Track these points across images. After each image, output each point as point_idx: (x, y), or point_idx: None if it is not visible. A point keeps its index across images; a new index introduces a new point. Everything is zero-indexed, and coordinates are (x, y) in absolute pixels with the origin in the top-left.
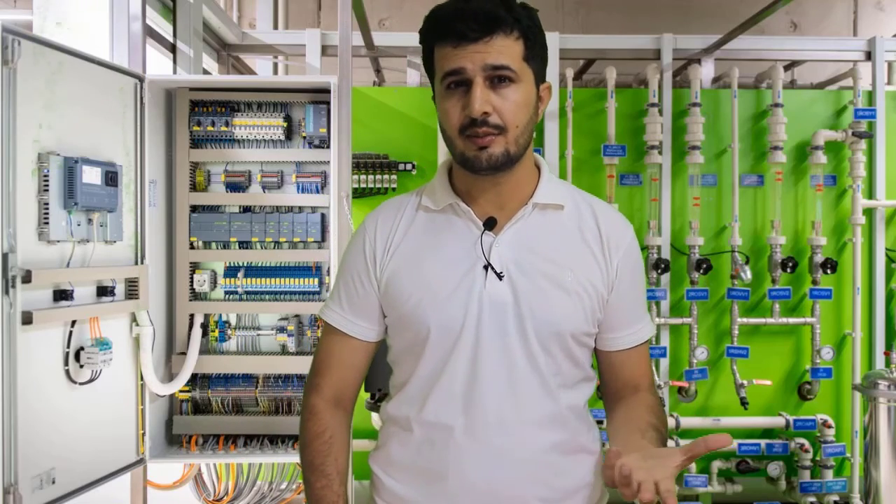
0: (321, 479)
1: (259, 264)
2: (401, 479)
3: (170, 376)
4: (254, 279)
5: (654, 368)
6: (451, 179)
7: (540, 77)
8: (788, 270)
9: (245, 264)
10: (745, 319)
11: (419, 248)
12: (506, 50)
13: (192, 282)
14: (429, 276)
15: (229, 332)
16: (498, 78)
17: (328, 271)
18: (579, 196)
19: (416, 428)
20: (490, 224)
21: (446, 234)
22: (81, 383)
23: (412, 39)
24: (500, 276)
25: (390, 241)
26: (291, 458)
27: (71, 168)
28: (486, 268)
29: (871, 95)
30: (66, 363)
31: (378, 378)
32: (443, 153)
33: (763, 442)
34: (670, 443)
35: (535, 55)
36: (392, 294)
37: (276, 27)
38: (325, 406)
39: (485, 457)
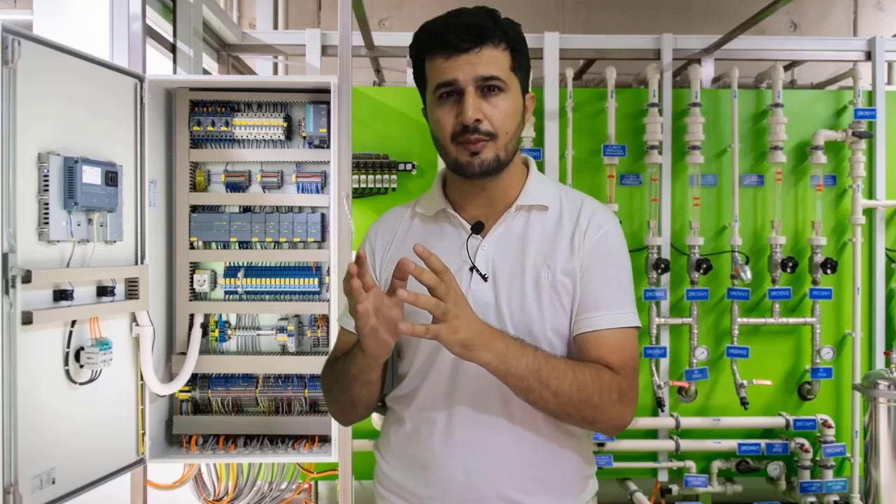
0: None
1: (259, 264)
2: (395, 465)
3: (170, 376)
4: (254, 279)
5: (635, 360)
6: (444, 186)
7: (525, 87)
8: (788, 270)
9: (245, 264)
10: (745, 319)
11: (411, 252)
12: (495, 61)
13: (192, 282)
14: None
15: (229, 332)
16: (488, 87)
17: (328, 271)
18: (570, 195)
19: (406, 418)
20: (478, 227)
21: (437, 238)
22: (81, 383)
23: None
24: (484, 278)
25: (389, 245)
26: (291, 458)
27: (71, 168)
28: (471, 270)
29: (871, 95)
30: (66, 363)
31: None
32: None
33: (763, 442)
34: (670, 443)
35: (521, 66)
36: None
37: (276, 27)
38: None
39: (464, 450)
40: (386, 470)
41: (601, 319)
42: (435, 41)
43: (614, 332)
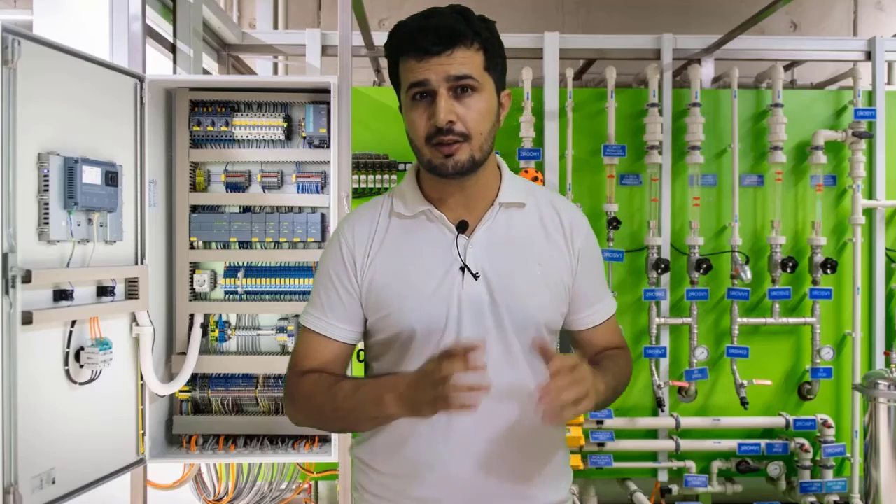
0: (352, 379)
1: (259, 264)
2: (388, 469)
3: (170, 376)
4: (254, 279)
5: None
6: (420, 185)
7: (500, 85)
8: (788, 270)
9: (245, 264)
10: (745, 319)
11: (398, 254)
12: (467, 61)
13: (192, 282)
14: (410, 281)
15: (229, 332)
16: (461, 88)
17: None
18: (539, 192)
19: (402, 421)
20: (462, 227)
21: (422, 239)
22: (81, 383)
23: None
24: (475, 277)
25: (369, 247)
26: (291, 458)
27: (71, 168)
28: (462, 269)
29: (871, 95)
30: (66, 363)
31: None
32: None
33: (763, 442)
34: (670, 443)
35: (495, 65)
36: (375, 299)
37: (276, 27)
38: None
39: (467, 447)
40: (375, 477)
41: (601, 313)
42: (407, 43)
43: (608, 323)
